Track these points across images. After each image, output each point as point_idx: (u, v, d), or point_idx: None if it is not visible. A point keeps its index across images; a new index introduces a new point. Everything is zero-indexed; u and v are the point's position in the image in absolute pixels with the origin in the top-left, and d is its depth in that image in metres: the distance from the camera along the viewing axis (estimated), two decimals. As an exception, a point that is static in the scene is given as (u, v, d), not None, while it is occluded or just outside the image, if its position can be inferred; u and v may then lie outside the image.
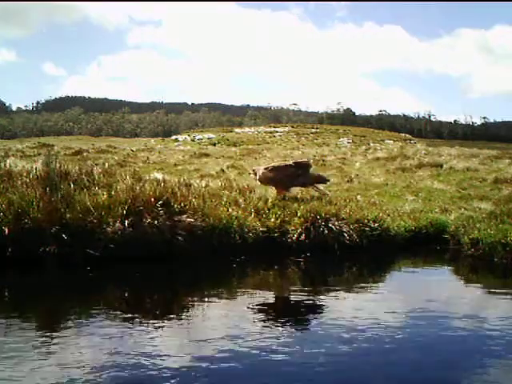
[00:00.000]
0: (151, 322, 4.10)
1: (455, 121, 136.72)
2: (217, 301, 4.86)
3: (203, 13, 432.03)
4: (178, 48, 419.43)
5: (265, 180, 8.30)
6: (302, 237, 6.72)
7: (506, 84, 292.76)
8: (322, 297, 5.21)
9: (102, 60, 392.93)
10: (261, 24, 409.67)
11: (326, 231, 6.73)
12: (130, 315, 4.28)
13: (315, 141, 49.20)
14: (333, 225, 6.78)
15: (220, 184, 9.08)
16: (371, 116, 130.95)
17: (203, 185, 8.39)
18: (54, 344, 3.52)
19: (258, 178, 8.35)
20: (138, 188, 6.46)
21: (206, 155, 23.86)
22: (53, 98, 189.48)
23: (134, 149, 31.03)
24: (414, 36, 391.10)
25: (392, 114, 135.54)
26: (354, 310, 4.45)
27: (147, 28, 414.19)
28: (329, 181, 8.78)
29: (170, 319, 4.19)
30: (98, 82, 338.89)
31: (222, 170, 15.56)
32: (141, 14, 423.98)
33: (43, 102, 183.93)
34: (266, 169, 8.30)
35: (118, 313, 4.39)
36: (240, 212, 6.80)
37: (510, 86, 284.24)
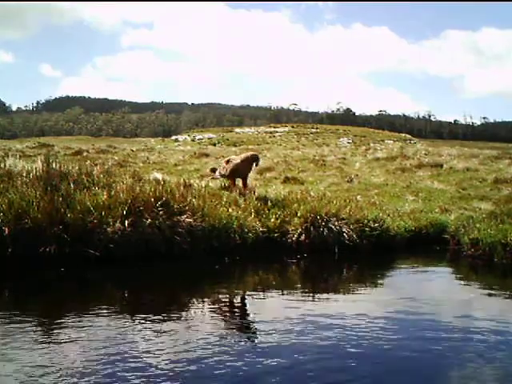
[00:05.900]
0: (149, 321, 4.09)
1: (455, 121, 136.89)
2: (215, 301, 4.86)
3: (195, 14, 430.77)
4: (173, 49, 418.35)
5: (232, 173, 8.27)
6: (302, 237, 6.73)
7: (500, 84, 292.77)
8: (320, 297, 5.21)
9: (98, 62, 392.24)
10: (254, 25, 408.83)
11: (326, 231, 6.73)
12: (128, 314, 4.28)
13: (315, 141, 49.24)
14: (333, 225, 6.78)
15: (220, 184, 9.08)
16: (371, 116, 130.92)
17: (203, 185, 8.38)
18: (53, 344, 3.52)
19: (224, 172, 8.36)
20: (137, 188, 6.46)
21: (206, 155, 23.83)
22: (53, 97, 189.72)
23: (134, 149, 31.03)
24: (402, 37, 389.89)
25: (392, 114, 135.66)
26: (353, 310, 4.45)
27: (140, 30, 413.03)
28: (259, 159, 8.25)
29: (168, 319, 4.18)
30: (95, 83, 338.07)
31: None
32: (134, 17, 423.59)
33: (43, 102, 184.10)
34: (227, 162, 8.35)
35: (117, 312, 4.39)
36: (240, 212, 6.80)
37: (504, 86, 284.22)
